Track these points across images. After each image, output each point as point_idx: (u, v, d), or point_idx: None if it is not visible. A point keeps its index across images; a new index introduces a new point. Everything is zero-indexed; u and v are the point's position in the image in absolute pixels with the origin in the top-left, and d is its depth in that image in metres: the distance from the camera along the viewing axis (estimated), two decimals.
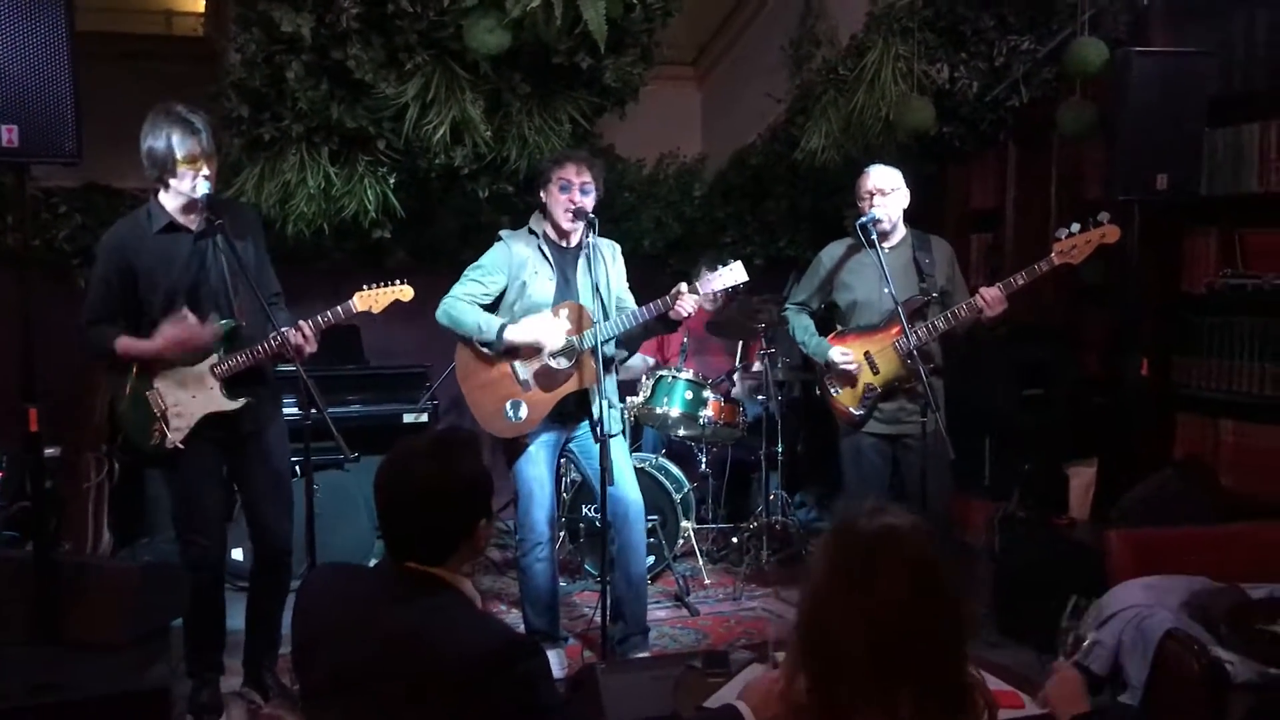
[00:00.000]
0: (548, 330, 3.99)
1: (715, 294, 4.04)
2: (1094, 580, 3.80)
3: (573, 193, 3.99)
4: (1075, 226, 3.94)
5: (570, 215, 3.99)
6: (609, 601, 4.19)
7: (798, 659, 1.49)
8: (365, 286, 3.73)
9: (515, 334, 3.98)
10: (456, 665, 1.80)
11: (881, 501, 1.56)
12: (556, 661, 4.19)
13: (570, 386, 4.04)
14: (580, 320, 4.02)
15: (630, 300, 4.21)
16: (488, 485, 2.04)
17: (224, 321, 3.62)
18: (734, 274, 4.03)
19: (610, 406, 4.01)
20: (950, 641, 1.46)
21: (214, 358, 3.61)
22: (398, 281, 3.79)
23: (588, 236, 3.99)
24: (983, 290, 4.03)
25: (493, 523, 2.05)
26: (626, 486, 4.12)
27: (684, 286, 3.94)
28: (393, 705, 1.84)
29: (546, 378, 4.04)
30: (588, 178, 4.02)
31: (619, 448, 4.16)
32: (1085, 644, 3.54)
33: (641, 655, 4.17)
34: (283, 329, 3.54)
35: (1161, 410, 4.87)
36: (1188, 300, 4.84)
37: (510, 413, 4.03)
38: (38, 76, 2.94)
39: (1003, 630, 4.34)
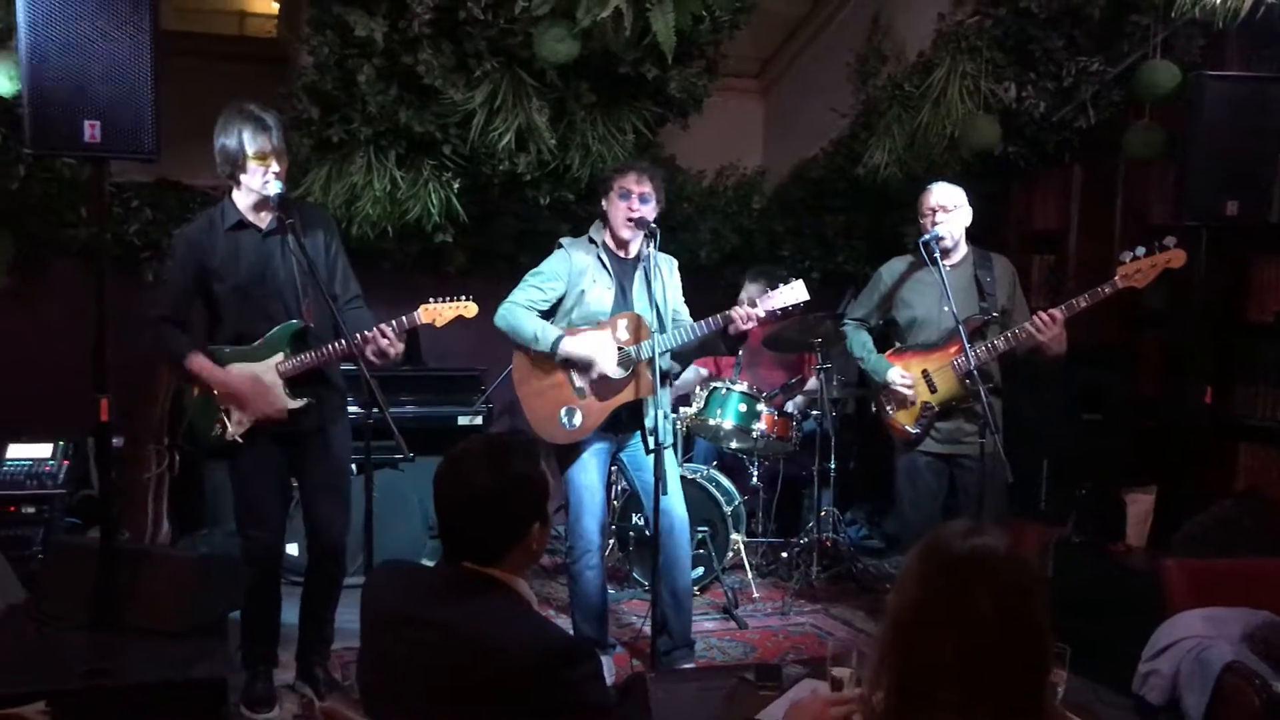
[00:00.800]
0: (602, 349, 4.00)
1: (774, 311, 4.00)
2: (1149, 609, 3.75)
3: (631, 200, 4.00)
4: (1140, 250, 3.89)
5: (630, 224, 4.00)
6: (660, 614, 4.18)
7: (881, 672, 1.49)
8: (431, 300, 3.75)
9: (571, 348, 3.99)
10: (512, 665, 1.81)
11: (973, 521, 1.57)
12: (605, 668, 4.20)
13: (625, 396, 4.05)
14: (638, 331, 4.03)
15: (686, 314, 4.22)
16: (542, 489, 2.05)
17: (292, 322, 3.68)
18: (794, 292, 4.04)
19: (664, 418, 4.02)
20: (1035, 668, 1.47)
21: (278, 356, 3.66)
22: (463, 298, 3.80)
23: (647, 247, 4.00)
24: (1041, 312, 4.00)
25: (548, 527, 2.06)
26: (673, 500, 4.11)
27: (749, 300, 3.95)
28: (448, 704, 1.86)
29: (602, 386, 4.05)
30: (647, 187, 4.02)
31: (669, 460, 4.13)
32: (1141, 673, 3.53)
33: (689, 668, 4.18)
34: (365, 331, 3.59)
35: (1223, 439, 4.79)
36: (1253, 328, 4.75)
37: (565, 420, 4.05)
38: (122, 75, 2.99)
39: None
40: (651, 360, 3.95)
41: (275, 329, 3.66)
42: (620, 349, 4.03)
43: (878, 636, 1.53)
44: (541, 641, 1.87)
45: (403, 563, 2.30)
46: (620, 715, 2.04)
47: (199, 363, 3.62)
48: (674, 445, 4.24)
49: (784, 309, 4.10)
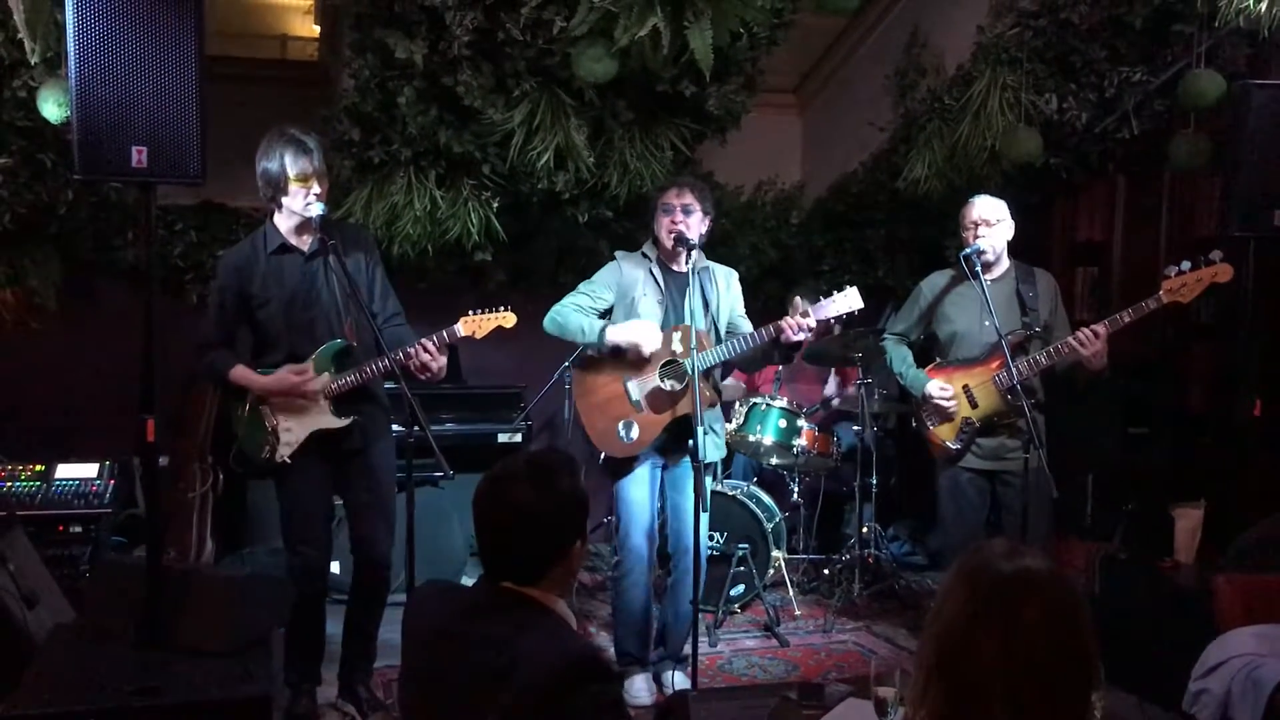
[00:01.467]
0: (646, 332, 3.99)
1: (830, 320, 3.99)
2: (1198, 626, 3.68)
3: (675, 214, 4.03)
4: (1186, 264, 3.84)
5: (672, 238, 4.02)
6: (656, 628, 4.32)
7: (925, 693, 1.48)
8: (470, 312, 3.77)
9: (616, 334, 4.01)
10: (538, 681, 1.80)
11: (1014, 542, 1.56)
12: (645, 686, 4.21)
13: (680, 409, 4.05)
14: (693, 343, 4.00)
15: (747, 326, 4.19)
16: (583, 508, 2.05)
17: (335, 341, 3.72)
18: (849, 300, 3.99)
19: (708, 433, 4.03)
20: (1082, 687, 1.46)
21: (325, 376, 3.70)
22: (501, 308, 3.82)
23: (698, 261, 4.02)
24: (1084, 328, 3.95)
25: (586, 545, 2.06)
26: (691, 520, 4.05)
27: (797, 308, 3.93)
28: (467, 713, 1.86)
29: (657, 399, 4.06)
30: (689, 199, 4.05)
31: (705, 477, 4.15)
32: (1191, 691, 3.46)
33: (677, 675, 4.24)
34: (408, 346, 3.63)
35: (1273, 453, 4.71)
36: None
37: (623, 433, 4.06)
38: (168, 100, 3.03)
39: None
40: (706, 372, 3.97)
41: (319, 350, 3.71)
42: (673, 361, 4.03)
43: (919, 657, 1.52)
44: (563, 656, 1.85)
45: (443, 583, 2.30)
46: None
47: (239, 373, 3.69)
48: (714, 467, 4.20)
49: (838, 318, 4.04)
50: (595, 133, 5.10)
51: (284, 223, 3.71)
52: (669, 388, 4.03)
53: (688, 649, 3.96)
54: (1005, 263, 4.24)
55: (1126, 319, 3.89)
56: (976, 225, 4.13)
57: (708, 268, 4.14)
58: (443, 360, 3.69)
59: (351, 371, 3.70)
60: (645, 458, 4.14)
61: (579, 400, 4.18)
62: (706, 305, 4.05)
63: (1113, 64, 4.97)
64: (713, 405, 4.12)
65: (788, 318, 3.92)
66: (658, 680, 4.29)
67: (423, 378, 3.67)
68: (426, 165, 5.08)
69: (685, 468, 4.15)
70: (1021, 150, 5.03)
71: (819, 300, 4.07)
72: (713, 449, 4.15)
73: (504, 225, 5.33)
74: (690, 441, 3.91)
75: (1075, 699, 1.45)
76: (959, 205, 4.31)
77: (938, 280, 4.40)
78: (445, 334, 3.71)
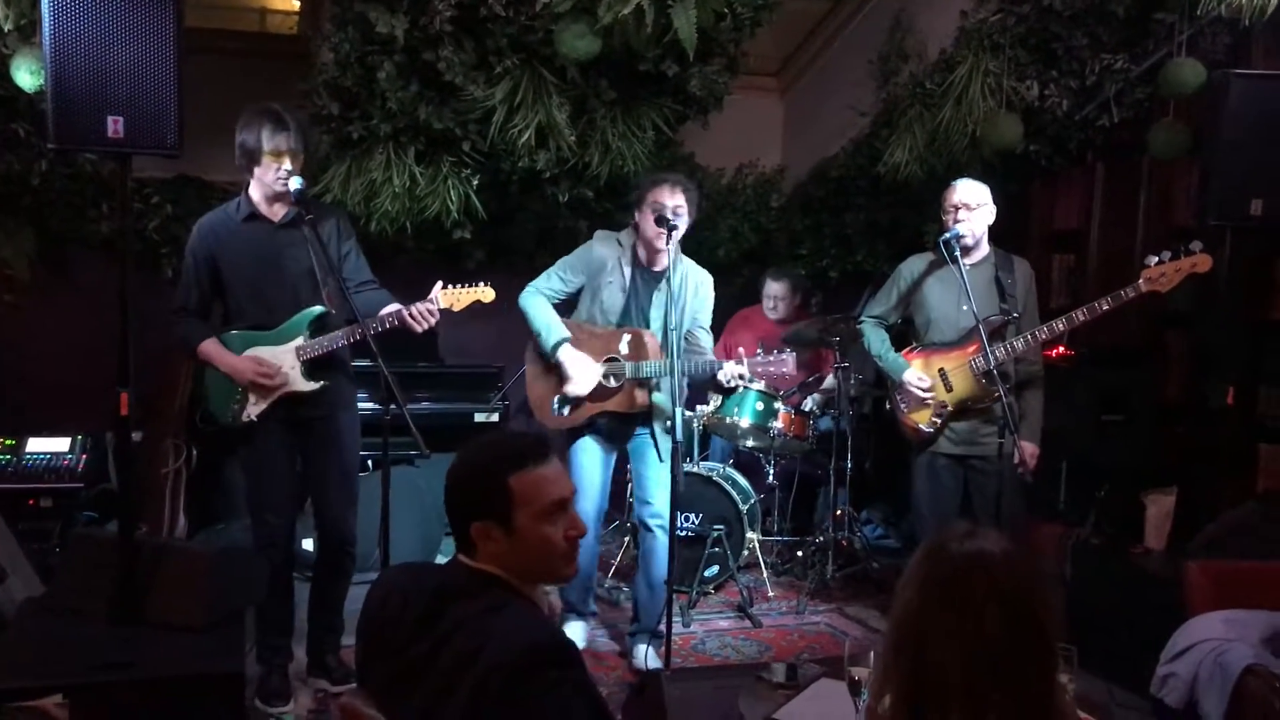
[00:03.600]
0: (582, 376, 4.11)
1: (760, 376, 4.05)
2: (1168, 610, 3.72)
3: (664, 211, 3.99)
4: (1166, 254, 3.86)
5: (659, 239, 4.02)
6: (634, 601, 4.45)
7: (888, 677, 1.48)
8: (450, 285, 3.77)
9: (564, 358, 4.11)
10: (496, 662, 1.77)
11: (974, 524, 1.55)
12: (580, 632, 4.43)
13: (611, 406, 4.17)
14: (639, 350, 4.09)
15: (706, 340, 4.25)
16: (483, 487, 1.97)
17: (314, 308, 3.73)
18: (785, 366, 3.95)
19: (667, 439, 4.09)
20: (1042, 669, 1.45)
21: (299, 339, 3.71)
22: (481, 283, 3.83)
23: (678, 262, 4.07)
24: (1024, 444, 4.08)
25: (499, 529, 1.96)
26: (658, 494, 4.22)
27: (739, 358, 3.97)
28: (438, 702, 1.83)
29: (596, 390, 4.16)
30: (680, 200, 4.05)
31: (662, 468, 4.22)
32: (1159, 675, 3.50)
33: (641, 649, 4.27)
34: (407, 307, 3.66)
35: (1245, 441, 4.75)
36: (1277, 329, 4.71)
37: (556, 406, 4.22)
38: (145, 71, 3.00)
39: None
40: (641, 381, 4.08)
41: (298, 314, 3.72)
42: (615, 359, 4.12)
43: (882, 642, 1.52)
44: (529, 641, 1.82)
45: (409, 565, 2.28)
46: None
47: (207, 348, 3.70)
48: (679, 441, 4.22)
49: (771, 377, 4.11)
50: (577, 111, 5.07)
51: (255, 192, 3.72)
52: (609, 383, 4.14)
53: (663, 625, 3.99)
54: (985, 248, 4.24)
55: (1105, 307, 3.91)
56: (957, 209, 4.13)
57: (685, 273, 4.15)
58: (434, 308, 3.70)
59: (327, 338, 3.70)
60: (597, 428, 4.26)
61: (529, 365, 4.35)
62: (666, 315, 4.07)
63: (1094, 51, 4.97)
64: (643, 407, 4.17)
65: (728, 364, 3.96)
66: (631, 654, 4.35)
67: (419, 328, 3.69)
68: (406, 141, 5.04)
69: (644, 440, 4.26)
70: (1002, 136, 5.03)
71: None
72: (668, 448, 4.17)
73: (483, 203, 5.30)
74: (641, 428, 4.15)
75: (1035, 681, 1.44)
76: (939, 191, 4.31)
77: (917, 264, 4.41)
78: (425, 304, 3.70)
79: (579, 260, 4.22)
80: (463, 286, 3.79)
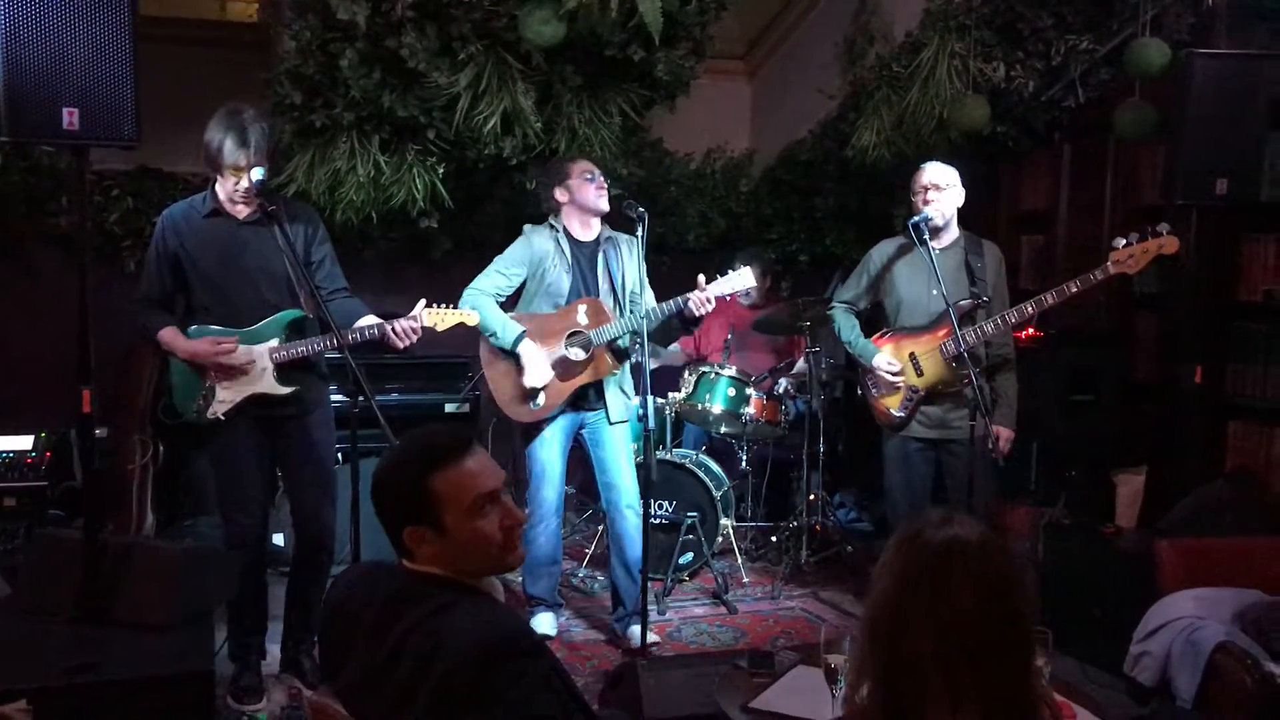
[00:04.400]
0: (538, 370, 4.19)
1: (725, 296, 4.17)
2: (1140, 590, 3.75)
3: (598, 180, 4.25)
4: (1134, 236, 3.87)
5: (605, 197, 4.25)
6: (612, 587, 4.51)
7: (864, 665, 1.47)
8: (435, 305, 3.74)
9: (524, 353, 4.19)
10: (454, 662, 1.74)
11: (948, 509, 1.54)
12: (550, 624, 4.46)
13: (585, 378, 4.27)
14: (598, 315, 4.23)
15: (648, 296, 4.37)
16: (406, 492, 1.92)
17: (290, 311, 3.70)
18: (743, 278, 4.17)
19: (618, 396, 4.33)
20: (1019, 654, 1.45)
21: (274, 342, 3.66)
22: (466, 307, 3.89)
23: (604, 232, 4.29)
24: (1000, 430, 4.11)
25: (430, 531, 1.91)
26: (621, 475, 4.36)
27: (697, 287, 4.11)
28: (399, 709, 1.80)
29: (563, 368, 4.24)
30: (597, 169, 4.31)
31: (622, 436, 4.40)
32: (1132, 654, 3.53)
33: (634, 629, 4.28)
34: (390, 323, 3.64)
35: (1213, 419, 4.79)
36: (1243, 307, 4.74)
37: (530, 401, 4.25)
38: (99, 60, 2.94)
39: None
40: (609, 343, 4.22)
41: (275, 315, 3.68)
42: (579, 332, 4.21)
43: (858, 630, 1.51)
44: (486, 636, 1.78)
45: (370, 565, 2.23)
46: None
47: (167, 335, 3.65)
48: (650, 428, 4.22)
49: (732, 294, 4.23)
50: (543, 97, 5.03)
51: (220, 190, 3.66)
52: (575, 356, 4.22)
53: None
54: (955, 231, 4.24)
55: (1074, 289, 3.91)
56: (926, 189, 4.13)
57: (613, 237, 4.35)
58: (417, 324, 3.68)
59: (304, 342, 3.66)
60: (554, 419, 4.32)
61: (487, 368, 4.37)
62: (611, 277, 4.27)
63: (1060, 32, 4.96)
64: (614, 371, 4.31)
65: (694, 293, 4.08)
66: (626, 637, 4.40)
67: (401, 345, 3.69)
68: (370, 130, 4.97)
69: (599, 423, 4.36)
70: (969, 118, 5.03)
71: (755, 264, 4.40)
72: (622, 408, 4.38)
73: (450, 192, 5.24)
74: (602, 400, 4.29)
75: (1012, 666, 1.44)
76: (907, 174, 4.31)
77: (886, 248, 4.40)
78: (408, 321, 3.66)
79: (520, 254, 4.31)
80: (448, 307, 3.78)
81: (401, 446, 2.01)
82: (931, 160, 4.27)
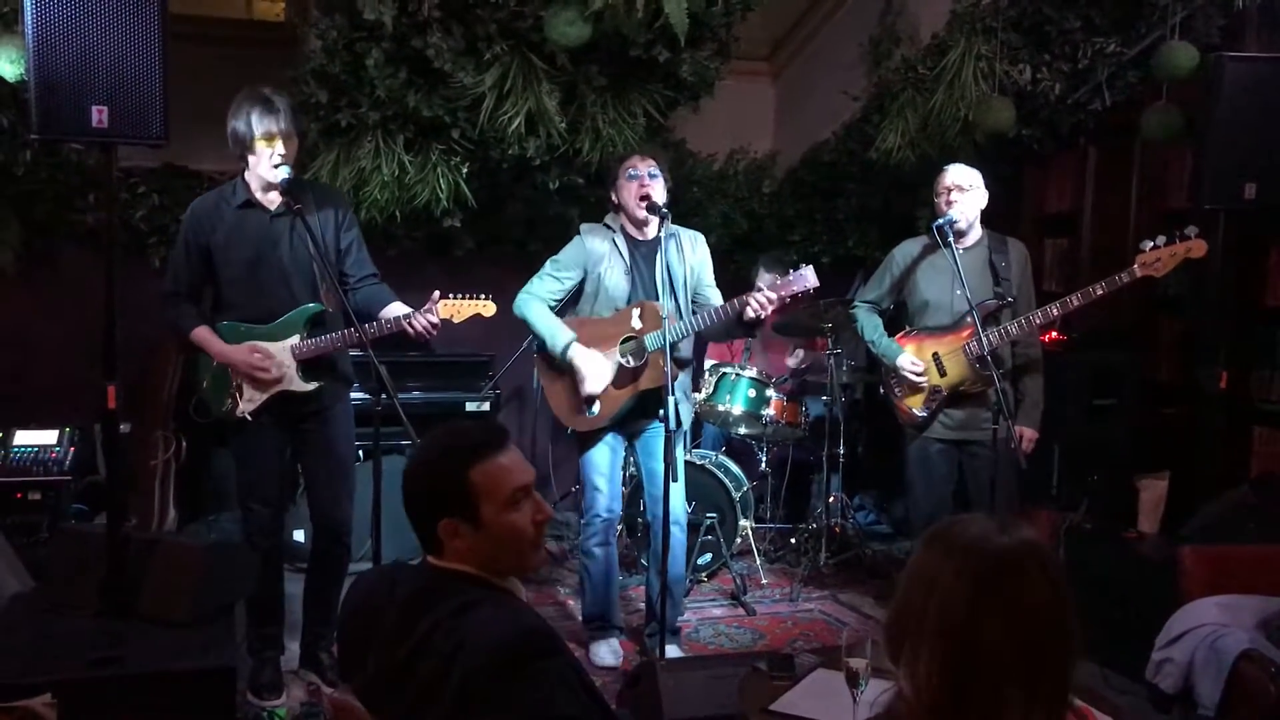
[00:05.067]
0: (596, 373, 4.03)
1: (785, 297, 3.95)
2: (1162, 595, 3.72)
3: (642, 179, 4.03)
4: (1161, 239, 3.84)
5: (643, 203, 4.01)
6: (647, 600, 4.35)
7: (926, 671, 1.47)
8: (451, 296, 3.70)
9: (576, 358, 4.04)
10: (476, 663, 1.74)
11: (976, 512, 1.56)
12: (610, 651, 4.24)
13: (641, 385, 4.06)
14: (653, 320, 4.00)
15: (714, 294, 4.20)
16: (445, 484, 1.93)
17: (310, 305, 3.69)
18: (805, 279, 3.91)
19: (679, 403, 4.03)
20: (1072, 655, 1.49)
21: (295, 339, 3.66)
22: (482, 296, 3.77)
23: (663, 230, 3.97)
24: (1024, 430, 4.09)
25: (466, 524, 1.92)
26: (674, 490, 4.05)
27: (759, 289, 3.90)
28: (420, 710, 1.81)
29: (618, 375, 4.08)
30: (651, 164, 4.06)
31: (677, 446, 4.15)
32: (1154, 661, 3.50)
33: (671, 649, 4.16)
34: (410, 313, 3.61)
35: (1237, 424, 4.75)
36: (1270, 312, 4.71)
37: (586, 408, 4.10)
38: (129, 59, 2.96)
39: None
40: (666, 348, 3.90)
41: (294, 311, 3.68)
42: (633, 338, 4.04)
43: (901, 629, 1.51)
44: (506, 636, 1.78)
45: (385, 568, 2.25)
46: None
47: (200, 334, 3.66)
48: (686, 433, 4.20)
49: (795, 295, 4.00)
50: (567, 98, 5.03)
51: (253, 180, 3.67)
52: (629, 363, 4.05)
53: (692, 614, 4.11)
54: (978, 232, 4.23)
55: (1099, 291, 3.89)
56: (950, 191, 4.12)
57: (675, 234, 4.11)
58: (434, 319, 3.63)
59: (324, 337, 3.66)
60: (611, 428, 4.17)
61: (544, 381, 4.24)
62: (672, 278, 4.02)
63: (1087, 34, 4.95)
64: (675, 378, 4.05)
65: (752, 295, 3.86)
66: (650, 651, 4.25)
67: (420, 340, 3.65)
68: (395, 129, 4.99)
69: (655, 432, 4.15)
70: (995, 120, 5.01)
71: (777, 277, 4.05)
72: (683, 415, 4.16)
73: (473, 192, 5.26)
74: (661, 411, 3.87)
75: (1071, 665, 1.48)
76: (931, 175, 4.29)
77: (910, 248, 4.39)
78: (424, 314, 3.63)
79: (574, 256, 4.14)
80: (463, 298, 3.72)
81: (436, 440, 2.01)
82: (954, 162, 4.26)
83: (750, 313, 3.86)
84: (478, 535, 1.92)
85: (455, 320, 3.72)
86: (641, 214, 4.05)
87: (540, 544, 2.02)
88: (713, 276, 4.25)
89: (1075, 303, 3.92)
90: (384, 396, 3.49)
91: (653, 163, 4.07)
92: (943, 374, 4.19)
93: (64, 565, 3.48)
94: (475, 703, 1.73)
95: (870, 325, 4.45)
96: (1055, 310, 3.98)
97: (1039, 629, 1.45)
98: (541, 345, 4.15)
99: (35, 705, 2.35)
